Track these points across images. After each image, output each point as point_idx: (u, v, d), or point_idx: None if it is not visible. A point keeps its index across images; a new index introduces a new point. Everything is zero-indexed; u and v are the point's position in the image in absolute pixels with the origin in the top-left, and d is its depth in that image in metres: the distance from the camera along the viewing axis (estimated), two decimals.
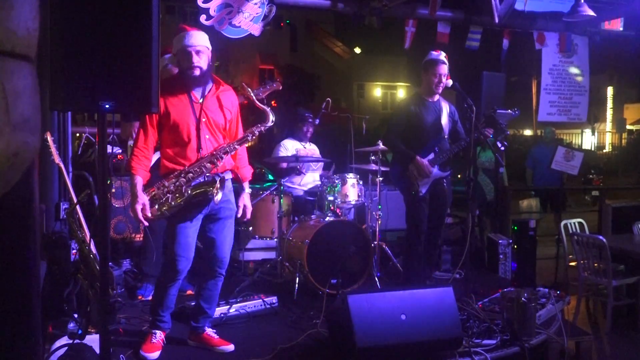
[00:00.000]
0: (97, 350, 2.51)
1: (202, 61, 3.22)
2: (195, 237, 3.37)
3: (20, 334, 1.53)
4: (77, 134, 6.01)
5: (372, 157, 5.21)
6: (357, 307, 3.16)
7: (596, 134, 29.80)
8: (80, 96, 2.19)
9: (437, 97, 4.67)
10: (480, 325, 3.66)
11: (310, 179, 5.52)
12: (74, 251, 3.96)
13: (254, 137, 3.43)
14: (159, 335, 3.39)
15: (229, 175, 3.44)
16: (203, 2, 4.89)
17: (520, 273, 5.48)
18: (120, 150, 5.23)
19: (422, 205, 4.55)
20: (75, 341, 2.97)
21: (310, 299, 4.39)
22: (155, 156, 3.51)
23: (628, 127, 28.10)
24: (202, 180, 3.24)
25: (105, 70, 2.18)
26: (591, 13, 5.19)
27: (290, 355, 3.39)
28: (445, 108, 4.67)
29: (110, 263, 4.26)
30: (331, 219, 4.77)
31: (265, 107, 3.42)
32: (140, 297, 4.36)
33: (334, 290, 4.32)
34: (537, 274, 5.65)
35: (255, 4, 5.08)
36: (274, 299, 4.17)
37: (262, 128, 3.43)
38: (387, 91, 29.88)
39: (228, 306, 3.92)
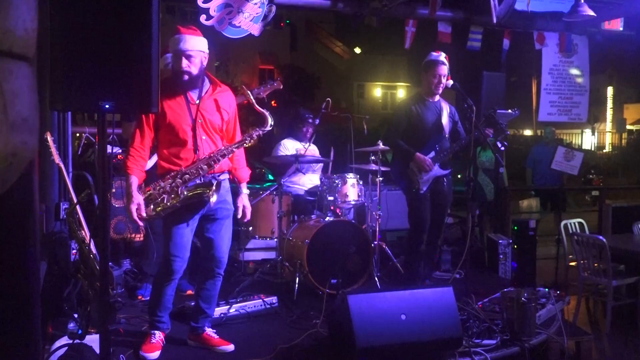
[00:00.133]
0: (97, 350, 2.51)
1: (192, 66, 3.22)
2: (191, 238, 3.37)
3: (20, 334, 1.53)
4: (77, 134, 6.01)
5: (372, 157, 5.21)
6: (357, 307, 3.17)
7: (596, 134, 29.79)
8: (80, 96, 2.19)
9: (437, 97, 4.68)
10: (480, 325, 3.66)
11: (310, 179, 5.51)
12: (74, 251, 3.96)
13: (251, 141, 3.43)
14: (158, 336, 3.39)
15: (225, 176, 3.44)
16: (203, 2, 4.89)
17: (520, 273, 5.48)
18: (120, 150, 5.23)
19: (424, 203, 4.55)
20: (75, 341, 2.96)
21: (310, 299, 4.39)
22: (155, 158, 3.52)
23: (628, 127, 28.09)
24: (198, 181, 3.25)
25: (105, 70, 2.18)
26: (591, 13, 5.19)
27: (290, 355, 3.39)
28: (446, 108, 4.68)
29: (110, 263, 4.25)
30: (331, 219, 4.77)
31: (263, 110, 3.41)
32: (140, 297, 4.36)
33: (334, 290, 4.31)
34: (537, 274, 5.65)
35: (255, 4, 5.08)
36: (274, 299, 4.17)
37: (261, 132, 3.42)
38: (387, 91, 29.86)
39: (228, 306, 3.92)
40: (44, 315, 3.46)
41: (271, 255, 5.30)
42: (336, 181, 5.00)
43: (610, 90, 29.90)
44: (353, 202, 5.06)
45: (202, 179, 3.25)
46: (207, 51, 3.31)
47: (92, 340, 2.89)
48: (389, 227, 5.86)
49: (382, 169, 5.12)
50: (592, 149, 26.88)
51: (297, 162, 4.96)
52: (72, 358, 2.88)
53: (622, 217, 6.47)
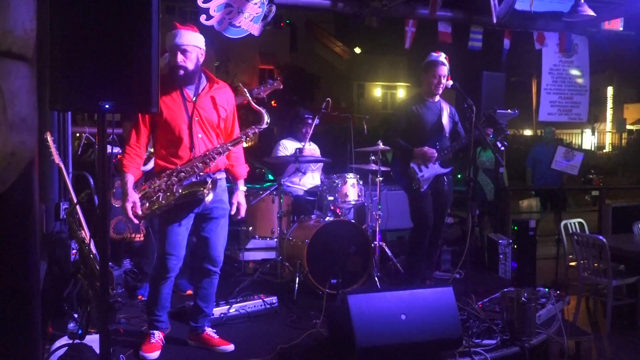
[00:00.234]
0: (97, 350, 2.51)
1: (187, 61, 3.21)
2: (187, 236, 3.37)
3: (20, 334, 1.53)
4: (77, 134, 6.00)
5: (372, 157, 5.21)
6: (357, 307, 3.16)
7: (596, 134, 29.79)
8: (80, 96, 2.18)
9: (437, 98, 4.69)
10: (480, 325, 3.65)
11: (310, 179, 5.51)
12: (74, 251, 3.96)
13: (248, 139, 3.42)
14: (158, 336, 3.39)
15: (221, 175, 3.43)
16: (203, 2, 4.89)
17: (520, 273, 5.48)
18: (120, 150, 5.23)
19: (426, 201, 4.56)
20: (75, 341, 2.96)
21: (310, 299, 4.39)
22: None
23: (628, 127, 28.10)
24: (193, 180, 3.24)
25: (105, 70, 2.17)
26: (591, 13, 5.20)
27: (290, 355, 3.39)
28: (446, 109, 4.69)
29: (110, 263, 4.25)
30: (331, 219, 4.77)
31: (260, 108, 3.41)
32: (140, 297, 4.36)
33: (334, 290, 4.31)
34: (537, 274, 5.64)
35: (255, 4, 5.08)
36: (274, 299, 4.17)
37: (257, 130, 3.42)
38: (387, 91, 29.88)
39: (228, 306, 3.92)
40: (44, 315, 3.45)
41: (271, 255, 5.30)
42: (336, 181, 5.00)
43: (610, 90, 29.89)
44: (353, 202, 5.05)
45: (197, 177, 3.25)
46: (204, 47, 3.30)
47: (92, 340, 2.89)
48: (389, 227, 5.86)
49: (382, 169, 5.13)
50: (592, 149, 26.88)
51: (297, 162, 4.96)
52: (72, 358, 2.88)
53: (622, 217, 6.47)
